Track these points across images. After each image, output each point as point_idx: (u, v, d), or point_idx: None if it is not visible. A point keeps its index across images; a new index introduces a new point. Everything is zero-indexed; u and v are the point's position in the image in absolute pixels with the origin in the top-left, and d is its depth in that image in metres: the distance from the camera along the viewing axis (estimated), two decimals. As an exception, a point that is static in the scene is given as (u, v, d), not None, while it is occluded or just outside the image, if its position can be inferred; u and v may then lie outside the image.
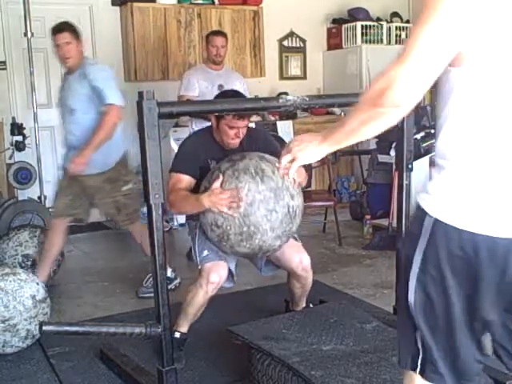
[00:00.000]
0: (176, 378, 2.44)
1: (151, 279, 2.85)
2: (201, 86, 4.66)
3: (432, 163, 1.58)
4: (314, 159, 1.68)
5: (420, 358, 1.56)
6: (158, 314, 2.40)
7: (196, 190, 2.91)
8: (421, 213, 1.45)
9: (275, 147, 3.03)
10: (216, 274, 2.87)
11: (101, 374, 2.90)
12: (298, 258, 3.05)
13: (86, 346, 3.13)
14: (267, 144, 3.12)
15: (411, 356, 1.58)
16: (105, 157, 3.68)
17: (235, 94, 3.13)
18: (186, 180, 2.95)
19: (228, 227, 2.69)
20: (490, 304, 1.45)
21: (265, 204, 2.65)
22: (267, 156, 2.82)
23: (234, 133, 2.97)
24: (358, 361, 2.42)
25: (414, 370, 1.57)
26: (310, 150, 1.67)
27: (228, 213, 2.65)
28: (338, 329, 2.75)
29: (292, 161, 1.69)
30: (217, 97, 3.26)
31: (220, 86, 4.57)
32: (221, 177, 2.71)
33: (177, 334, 2.99)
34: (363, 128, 1.43)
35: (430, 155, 4.34)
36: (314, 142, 1.66)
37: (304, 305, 3.32)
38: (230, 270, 2.98)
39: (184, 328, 3.03)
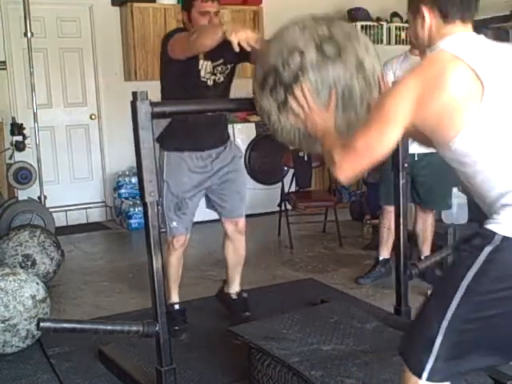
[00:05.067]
0: (175, 377, 2.44)
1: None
2: (396, 76, 3.95)
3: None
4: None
5: (431, 363, 1.62)
6: (155, 312, 2.40)
7: (183, 84, 3.02)
8: (483, 237, 1.62)
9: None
10: (181, 236, 3.26)
11: (101, 374, 2.90)
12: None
13: (85, 346, 3.12)
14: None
15: (420, 360, 1.64)
16: None
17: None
18: None
19: None
20: None
21: None
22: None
23: (207, 20, 3.01)
24: (357, 361, 2.41)
25: (420, 374, 1.64)
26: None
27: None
28: (338, 329, 2.75)
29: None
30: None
31: None
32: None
33: (176, 306, 3.30)
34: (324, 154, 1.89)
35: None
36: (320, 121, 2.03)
37: (238, 288, 3.48)
38: None
39: (175, 297, 3.32)
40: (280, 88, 2.14)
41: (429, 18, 1.77)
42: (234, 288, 3.49)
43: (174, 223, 3.22)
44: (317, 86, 2.09)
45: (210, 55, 3.05)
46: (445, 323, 1.60)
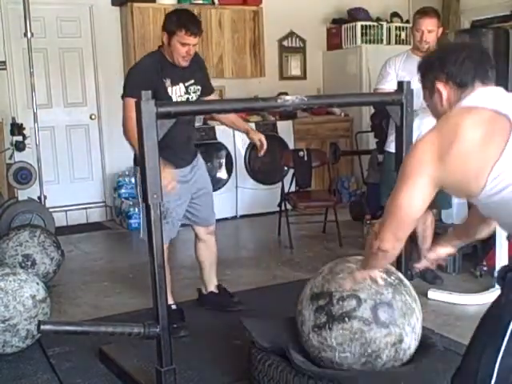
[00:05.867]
0: (175, 378, 2.44)
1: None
2: (399, 76, 3.94)
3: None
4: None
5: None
6: (156, 314, 2.40)
7: None
8: None
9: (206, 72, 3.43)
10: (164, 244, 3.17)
11: (101, 374, 2.90)
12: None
13: (86, 346, 3.12)
14: (204, 70, 3.42)
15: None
16: None
17: (191, 17, 3.24)
18: None
19: None
20: None
21: None
22: None
23: (185, 50, 3.12)
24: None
25: None
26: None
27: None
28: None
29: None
30: (170, 14, 3.32)
31: None
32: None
33: (173, 306, 3.32)
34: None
35: None
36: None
37: (216, 282, 3.66)
38: None
39: (170, 299, 3.23)
40: (324, 314, 2.33)
41: (445, 91, 1.77)
42: (213, 284, 3.66)
43: None
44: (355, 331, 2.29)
45: (180, 77, 3.20)
46: (497, 364, 1.58)
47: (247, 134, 3.49)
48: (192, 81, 3.27)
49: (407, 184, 1.71)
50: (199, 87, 3.31)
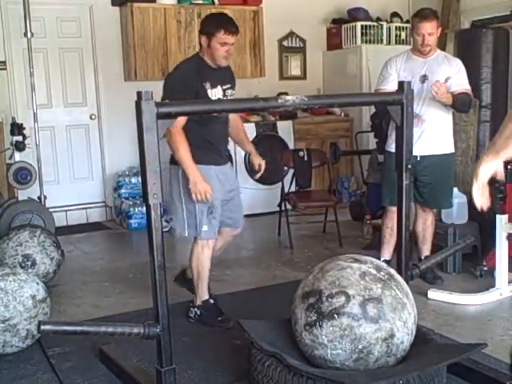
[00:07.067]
0: (175, 378, 2.43)
1: None
2: (400, 77, 3.87)
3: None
4: (487, 173, 1.86)
5: None
6: (156, 314, 2.40)
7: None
8: None
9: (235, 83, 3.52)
10: (212, 239, 3.38)
11: (101, 374, 2.90)
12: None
13: (86, 346, 3.13)
14: (235, 81, 3.53)
15: None
16: None
17: (227, 17, 3.35)
18: None
19: None
20: None
21: None
22: None
23: (225, 49, 3.27)
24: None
25: None
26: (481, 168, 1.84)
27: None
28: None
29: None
30: (207, 18, 3.42)
31: (423, 77, 3.88)
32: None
33: (211, 301, 3.43)
34: None
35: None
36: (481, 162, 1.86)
37: None
38: None
39: (207, 294, 3.42)
40: (314, 312, 2.35)
41: None
42: None
43: (205, 227, 3.31)
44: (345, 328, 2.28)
45: (220, 80, 3.34)
46: None
47: (250, 154, 3.63)
48: (229, 85, 3.41)
49: None
50: (234, 92, 3.45)
